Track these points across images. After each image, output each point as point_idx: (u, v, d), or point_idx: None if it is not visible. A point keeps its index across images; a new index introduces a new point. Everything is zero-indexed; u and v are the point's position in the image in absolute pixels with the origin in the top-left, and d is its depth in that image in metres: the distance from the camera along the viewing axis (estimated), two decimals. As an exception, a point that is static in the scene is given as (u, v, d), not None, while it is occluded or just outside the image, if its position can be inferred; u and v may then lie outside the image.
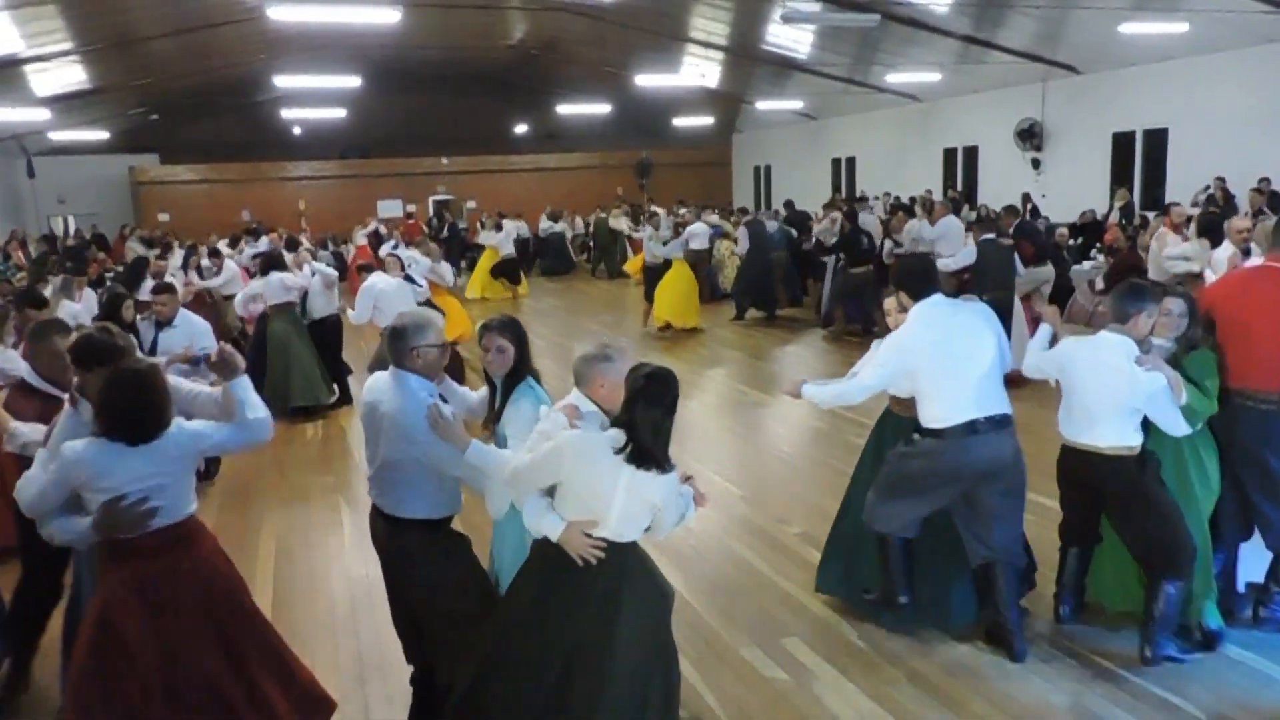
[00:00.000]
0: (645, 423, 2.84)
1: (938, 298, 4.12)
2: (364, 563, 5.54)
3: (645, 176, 27.86)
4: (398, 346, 3.31)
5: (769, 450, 7.67)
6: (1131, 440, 3.95)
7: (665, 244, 12.91)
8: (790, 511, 6.12)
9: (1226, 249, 6.98)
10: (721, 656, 4.34)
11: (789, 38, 17.29)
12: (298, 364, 9.01)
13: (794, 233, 14.57)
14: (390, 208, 25.62)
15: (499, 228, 17.55)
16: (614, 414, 2.98)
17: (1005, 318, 8.63)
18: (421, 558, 3.36)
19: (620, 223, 20.20)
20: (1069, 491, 4.31)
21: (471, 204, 25.90)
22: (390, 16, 12.07)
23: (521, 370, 3.49)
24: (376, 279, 8.49)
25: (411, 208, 26.22)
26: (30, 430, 3.60)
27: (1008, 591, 4.16)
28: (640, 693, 2.92)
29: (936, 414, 4.06)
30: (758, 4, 15.21)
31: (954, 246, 10.38)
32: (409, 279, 8.71)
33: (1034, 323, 9.92)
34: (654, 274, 12.89)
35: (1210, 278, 7.04)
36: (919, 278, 4.21)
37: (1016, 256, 9.19)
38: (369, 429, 3.42)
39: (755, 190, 27.96)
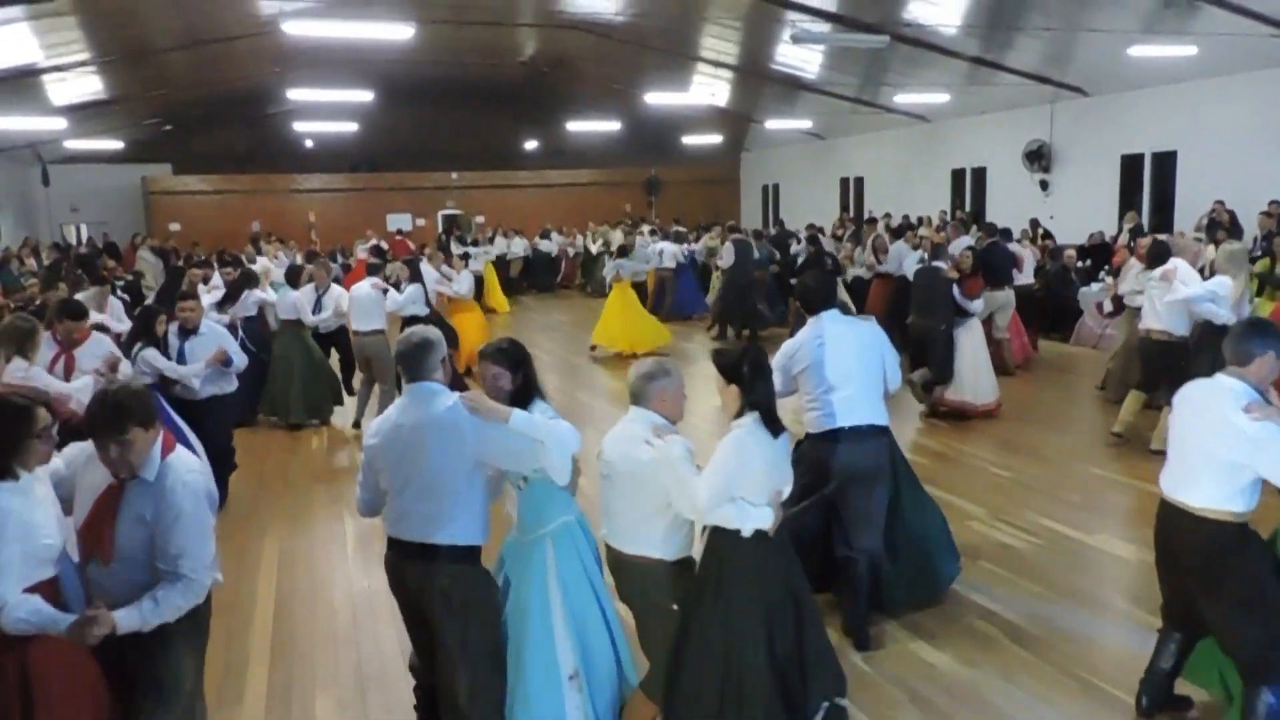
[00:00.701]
0: (768, 396, 3.33)
1: (833, 313, 4.53)
2: (366, 574, 5.55)
3: (654, 194, 27.95)
4: (429, 359, 3.26)
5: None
6: (1232, 505, 3.34)
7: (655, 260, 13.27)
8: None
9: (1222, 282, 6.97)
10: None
11: (798, 58, 17.37)
12: (299, 381, 9.08)
13: (775, 253, 14.99)
14: (399, 221, 25.72)
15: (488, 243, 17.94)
16: (675, 421, 3.40)
17: (928, 345, 8.71)
18: (459, 603, 3.20)
19: (614, 237, 20.24)
20: (1160, 558, 3.73)
21: (480, 219, 25.99)
22: (403, 33, 12.15)
23: (528, 392, 3.49)
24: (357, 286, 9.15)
25: (421, 221, 26.36)
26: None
27: (859, 586, 4.50)
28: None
29: (809, 419, 4.49)
30: (768, 24, 15.28)
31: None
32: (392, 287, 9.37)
33: (997, 345, 9.94)
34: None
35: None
36: (816, 294, 4.59)
37: (957, 290, 8.70)
38: (392, 456, 3.24)
39: (763, 209, 28.01)
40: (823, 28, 14.00)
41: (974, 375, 8.76)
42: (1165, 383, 6.93)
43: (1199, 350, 6.94)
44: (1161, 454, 3.73)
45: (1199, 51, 12.62)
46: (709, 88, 20.88)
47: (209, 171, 25.56)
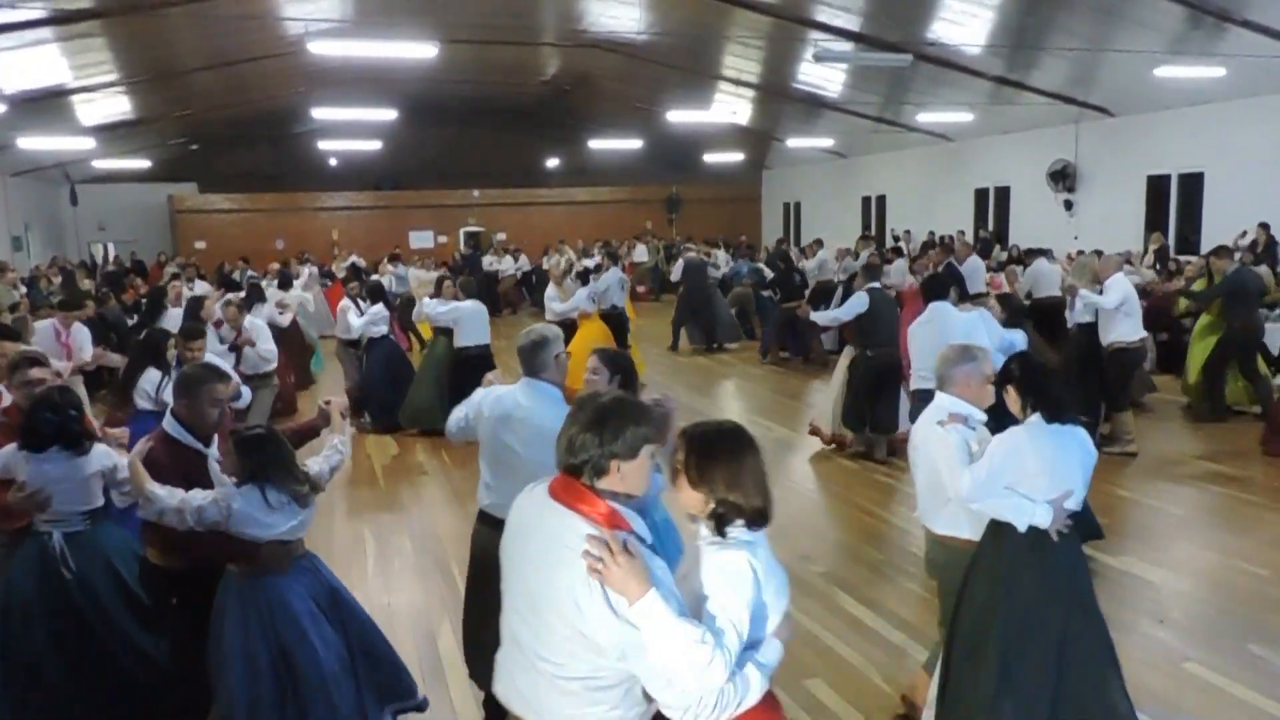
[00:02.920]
0: (1047, 391, 3.27)
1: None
2: (385, 591, 5.53)
3: (675, 211, 27.99)
4: (541, 356, 3.56)
5: (792, 487, 7.59)
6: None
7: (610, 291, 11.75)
8: (814, 549, 6.04)
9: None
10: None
11: (820, 76, 17.39)
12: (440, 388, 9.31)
13: (766, 271, 15.38)
14: (422, 239, 25.89)
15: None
16: (980, 405, 3.42)
17: (894, 378, 7.86)
18: None
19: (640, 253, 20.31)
20: None
21: (501, 236, 26.12)
22: (427, 52, 12.26)
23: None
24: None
25: (443, 238, 26.51)
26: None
27: None
28: None
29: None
30: (790, 43, 15.30)
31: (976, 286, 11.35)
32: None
33: None
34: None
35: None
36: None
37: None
38: (496, 439, 3.56)
39: (785, 226, 27.98)
40: (845, 47, 14.00)
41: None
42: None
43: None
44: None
45: (1227, 73, 12.51)
46: (731, 106, 20.93)
47: (234, 190, 25.84)
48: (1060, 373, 3.54)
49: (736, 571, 2.11)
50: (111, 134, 19.20)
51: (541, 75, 21.18)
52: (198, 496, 3.33)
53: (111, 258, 23.79)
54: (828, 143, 22.75)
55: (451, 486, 7.77)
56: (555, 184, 28.44)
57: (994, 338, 5.73)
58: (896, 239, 19.83)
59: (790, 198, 27.98)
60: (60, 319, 8.02)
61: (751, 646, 2.13)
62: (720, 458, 2.21)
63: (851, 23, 13.88)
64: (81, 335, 8.05)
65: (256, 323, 8.17)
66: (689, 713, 2.12)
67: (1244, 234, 13.03)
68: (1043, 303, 10.64)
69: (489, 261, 21.28)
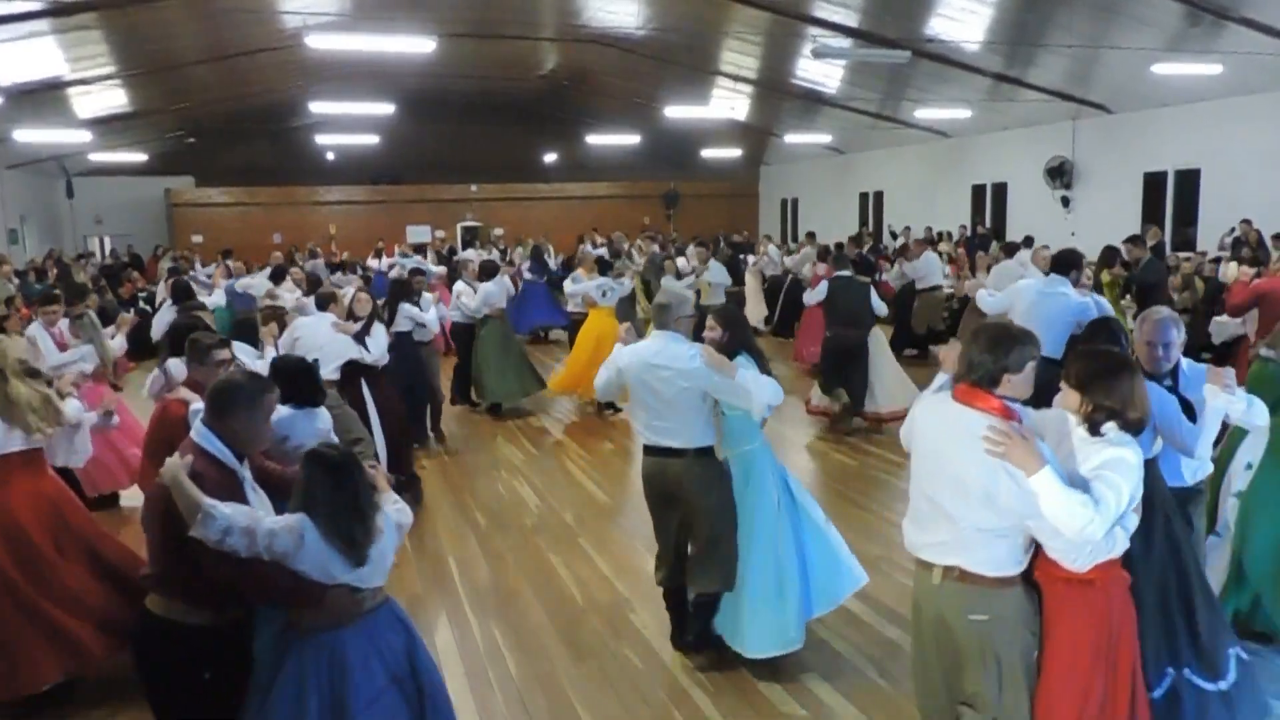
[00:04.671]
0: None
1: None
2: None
3: (672, 207, 27.97)
4: (671, 313, 4.35)
5: (792, 483, 7.58)
6: None
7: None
8: (812, 546, 6.05)
9: None
10: (740, 691, 4.28)
11: (819, 72, 17.37)
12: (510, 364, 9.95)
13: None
14: (419, 234, 25.85)
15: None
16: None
17: (855, 356, 8.66)
18: (706, 481, 4.32)
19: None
20: None
21: (499, 231, 26.09)
22: (425, 46, 12.22)
23: (734, 345, 4.41)
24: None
25: (440, 233, 26.47)
26: (233, 512, 2.82)
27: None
28: None
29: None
30: (789, 39, 15.30)
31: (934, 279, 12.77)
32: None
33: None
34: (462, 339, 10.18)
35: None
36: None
37: (875, 295, 8.89)
38: (644, 385, 4.31)
39: (782, 223, 28.00)
40: (844, 43, 13.99)
41: (891, 383, 8.87)
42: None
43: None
44: None
45: (1224, 70, 12.53)
46: (729, 102, 20.92)
47: (231, 184, 25.79)
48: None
49: (1130, 463, 2.80)
50: (108, 127, 19.16)
51: (540, 70, 21.15)
52: (266, 518, 2.84)
53: (108, 251, 23.75)
54: (826, 139, 22.74)
55: (449, 482, 7.78)
56: (553, 179, 28.42)
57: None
58: (895, 235, 19.83)
59: (788, 194, 27.97)
60: (43, 317, 7.17)
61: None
62: (1101, 374, 2.90)
63: (850, 19, 13.88)
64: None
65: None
66: (1067, 555, 2.88)
67: (1231, 231, 13.06)
68: None
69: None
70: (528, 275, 15.18)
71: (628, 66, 19.30)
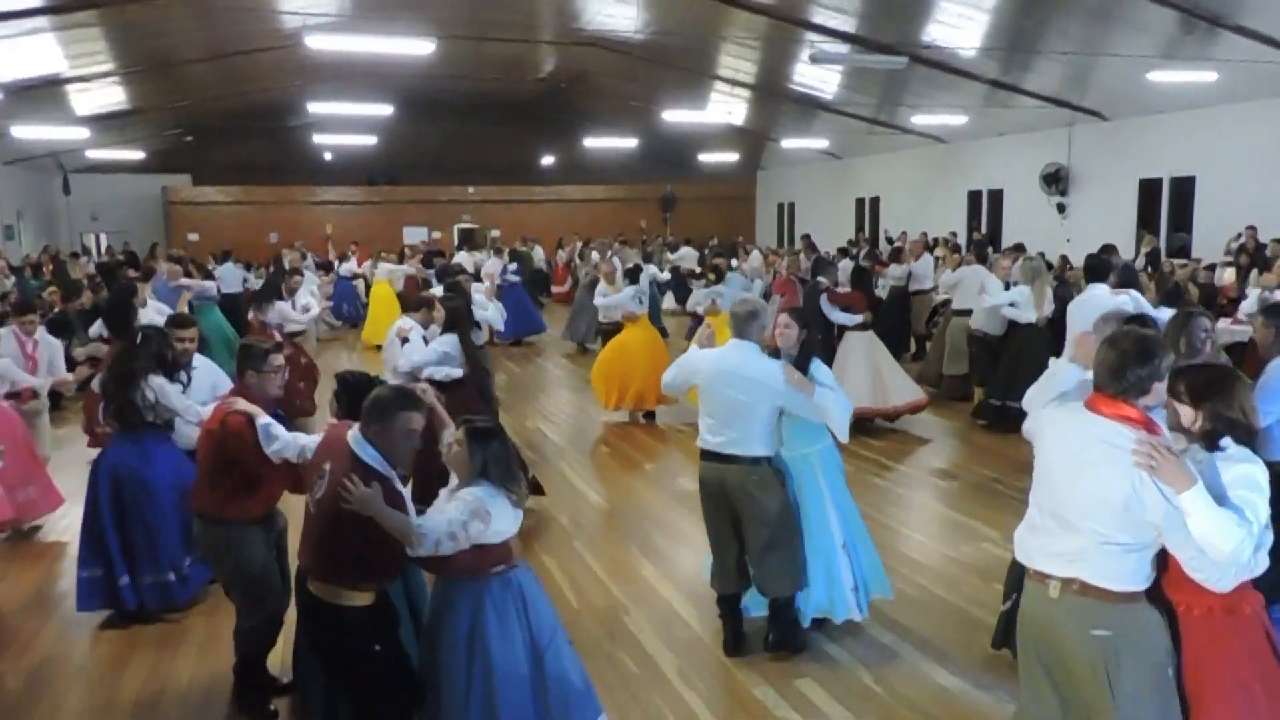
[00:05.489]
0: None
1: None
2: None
3: (669, 210, 28.01)
4: (753, 324, 4.46)
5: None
6: None
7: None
8: (807, 550, 6.08)
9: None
10: (734, 695, 4.31)
11: (816, 77, 17.43)
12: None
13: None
14: (416, 234, 25.87)
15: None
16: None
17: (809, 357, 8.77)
18: (764, 488, 4.39)
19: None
20: None
21: (495, 233, 26.12)
22: (425, 48, 12.25)
23: (809, 348, 4.62)
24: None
25: (437, 234, 26.49)
26: (434, 523, 3.09)
27: None
28: None
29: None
30: (787, 44, 15.34)
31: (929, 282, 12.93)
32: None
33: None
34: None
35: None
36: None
37: (825, 299, 8.94)
38: (716, 390, 4.42)
39: (779, 227, 28.05)
40: (841, 48, 14.05)
41: (873, 382, 8.87)
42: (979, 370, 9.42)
43: (1007, 343, 9.00)
44: None
45: (1219, 77, 12.60)
46: (726, 106, 20.96)
47: (229, 182, 25.79)
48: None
49: (1259, 479, 2.71)
50: (106, 124, 19.14)
51: (538, 73, 21.18)
52: (453, 514, 3.07)
53: (103, 248, 23.72)
54: (822, 144, 22.80)
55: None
56: (550, 181, 28.45)
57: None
58: (891, 241, 19.88)
59: (784, 198, 28.02)
60: (19, 325, 6.89)
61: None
62: (1216, 385, 2.86)
63: (848, 24, 13.93)
64: (51, 348, 7.12)
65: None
66: (1212, 575, 2.74)
67: (1239, 236, 13.12)
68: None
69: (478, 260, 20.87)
70: (511, 279, 15.16)
71: (626, 70, 19.34)
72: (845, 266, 13.60)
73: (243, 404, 4.04)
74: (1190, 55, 12.48)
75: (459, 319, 6.46)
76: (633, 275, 10.40)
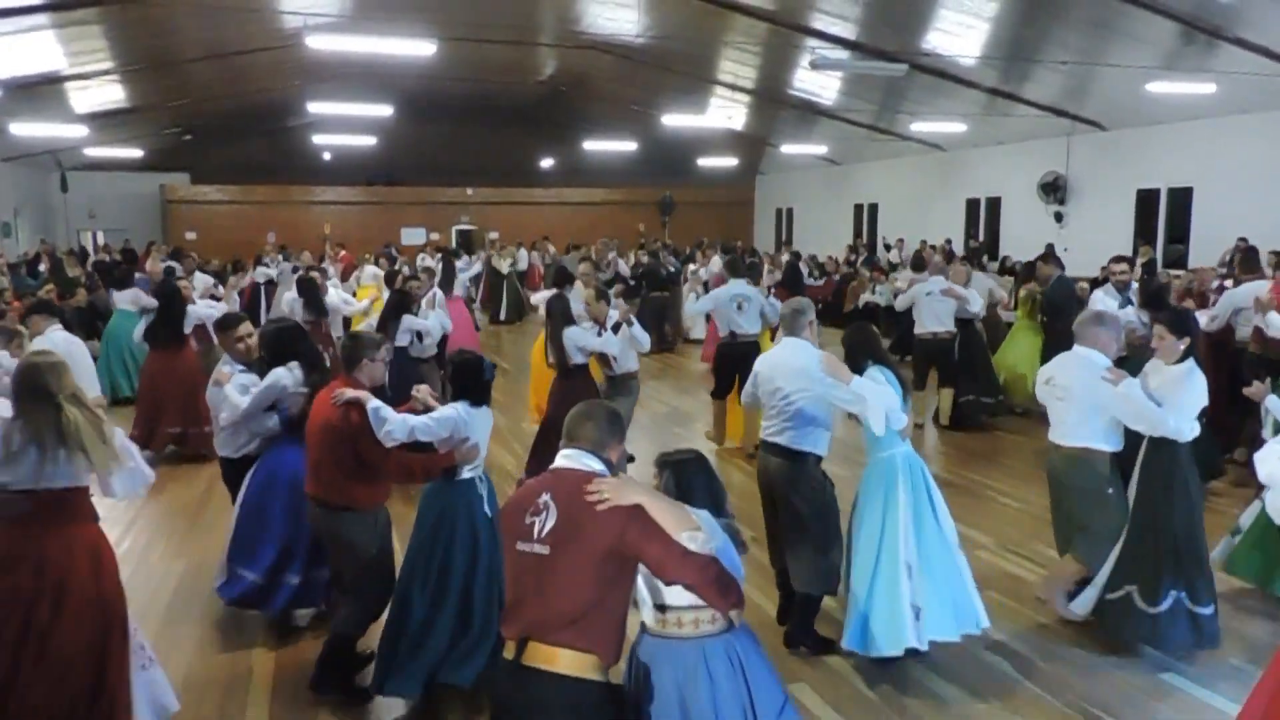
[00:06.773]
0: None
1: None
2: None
3: (668, 214, 28.03)
4: (800, 321, 4.68)
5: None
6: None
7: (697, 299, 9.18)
8: (802, 555, 6.07)
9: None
10: (728, 699, 4.28)
11: (816, 84, 17.47)
12: None
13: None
14: (414, 236, 25.86)
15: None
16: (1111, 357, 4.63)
17: (748, 360, 8.56)
18: (797, 486, 4.51)
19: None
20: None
21: (494, 235, 26.12)
22: (425, 49, 12.26)
23: (862, 360, 4.55)
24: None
25: (435, 235, 26.47)
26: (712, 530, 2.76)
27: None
28: None
29: None
30: (787, 50, 15.38)
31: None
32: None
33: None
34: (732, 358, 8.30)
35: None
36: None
37: (766, 304, 8.73)
38: (771, 384, 4.61)
39: (777, 232, 28.09)
40: (842, 55, 14.08)
41: None
42: (939, 368, 9.27)
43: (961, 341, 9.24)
44: None
45: (1218, 89, 12.65)
46: (726, 110, 20.99)
47: (227, 182, 25.77)
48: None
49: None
50: (105, 122, 19.13)
51: (538, 75, 21.20)
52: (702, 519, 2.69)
53: (101, 246, 23.68)
54: (821, 149, 22.84)
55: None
56: (549, 184, 28.47)
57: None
58: (888, 247, 19.92)
59: (783, 203, 28.07)
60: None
61: None
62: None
63: (849, 31, 13.96)
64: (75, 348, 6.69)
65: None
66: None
67: (1235, 247, 13.13)
68: None
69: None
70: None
71: (626, 73, 19.37)
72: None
73: (350, 392, 4.00)
74: (1189, 67, 12.53)
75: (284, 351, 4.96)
76: (628, 292, 10.35)
